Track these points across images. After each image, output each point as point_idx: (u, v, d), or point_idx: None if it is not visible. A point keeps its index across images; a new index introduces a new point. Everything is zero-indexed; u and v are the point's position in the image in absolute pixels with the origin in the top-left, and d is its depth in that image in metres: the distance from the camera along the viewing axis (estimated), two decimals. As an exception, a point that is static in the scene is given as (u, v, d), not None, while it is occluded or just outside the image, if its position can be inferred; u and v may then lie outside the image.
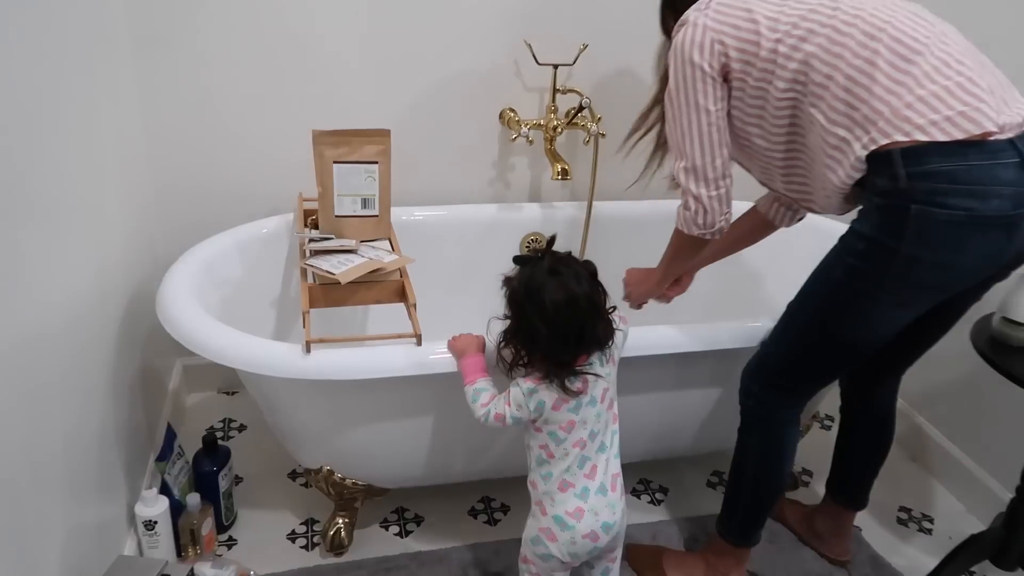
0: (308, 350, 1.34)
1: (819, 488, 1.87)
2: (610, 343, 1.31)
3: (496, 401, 1.31)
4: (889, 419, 1.60)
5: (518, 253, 1.31)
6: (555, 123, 1.97)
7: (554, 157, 1.99)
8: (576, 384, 1.27)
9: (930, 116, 1.13)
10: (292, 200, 1.88)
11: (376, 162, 1.61)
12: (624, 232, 2.11)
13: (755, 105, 1.31)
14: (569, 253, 1.30)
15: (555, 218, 2.09)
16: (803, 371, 1.41)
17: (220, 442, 1.74)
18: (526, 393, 1.28)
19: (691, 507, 1.88)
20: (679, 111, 1.34)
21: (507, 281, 1.29)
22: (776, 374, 1.42)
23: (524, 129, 1.93)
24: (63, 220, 1.28)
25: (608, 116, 1.97)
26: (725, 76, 1.31)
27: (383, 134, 1.61)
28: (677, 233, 1.46)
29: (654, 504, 1.90)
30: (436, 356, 1.39)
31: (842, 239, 1.26)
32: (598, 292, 1.28)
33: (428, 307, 1.54)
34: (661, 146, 1.57)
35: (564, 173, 1.92)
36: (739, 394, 1.47)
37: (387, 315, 1.67)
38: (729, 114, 1.35)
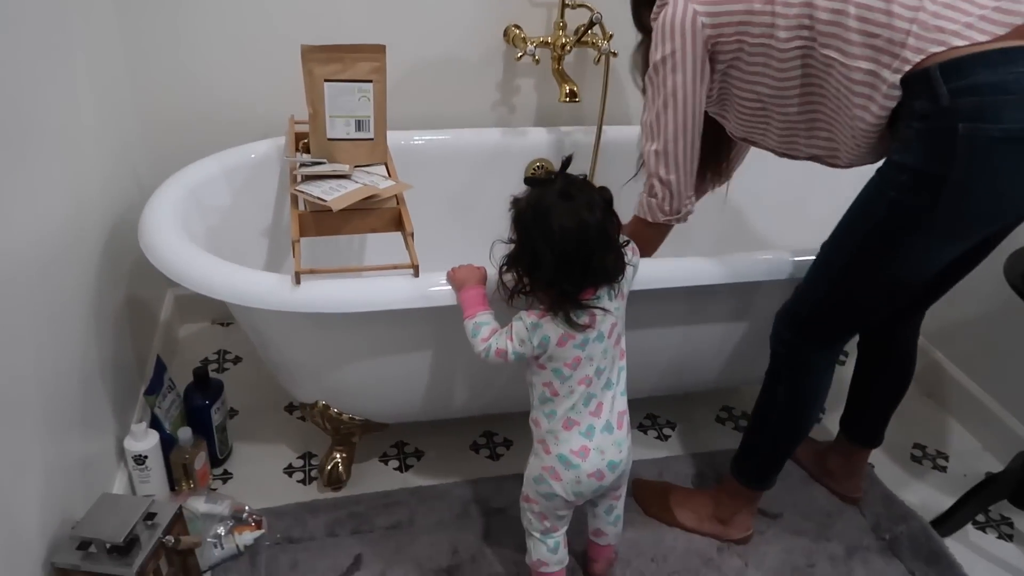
0: (298, 281, 1.26)
1: (831, 425, 1.82)
2: (620, 277, 1.23)
3: (497, 336, 1.24)
4: (910, 356, 1.53)
5: (526, 178, 1.21)
6: (563, 41, 1.84)
7: (562, 78, 1.87)
8: (583, 318, 1.20)
9: (963, 19, 1.03)
10: (284, 124, 1.78)
11: (370, 80, 1.50)
12: (636, 159, 2.01)
13: (759, 63, 1.22)
14: (585, 178, 1.21)
15: (562, 143, 1.99)
16: (841, 315, 1.32)
17: (213, 375, 1.68)
18: (529, 327, 1.20)
19: (700, 443, 1.83)
20: (657, 91, 1.30)
21: (515, 201, 1.20)
22: (812, 320, 1.33)
23: (530, 47, 1.81)
24: (33, 148, 1.19)
25: (620, 34, 1.83)
26: (714, 51, 1.25)
27: (378, 50, 1.49)
28: (638, 223, 1.39)
29: (661, 440, 1.85)
30: (434, 288, 1.31)
31: (880, 173, 1.17)
32: (612, 223, 1.19)
33: (427, 238, 1.46)
34: None
35: (572, 95, 1.81)
36: (771, 339, 1.39)
37: (383, 246, 1.59)
38: (730, 84, 1.28)
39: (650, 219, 1.38)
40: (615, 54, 1.84)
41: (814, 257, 1.32)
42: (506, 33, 1.91)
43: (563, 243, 1.14)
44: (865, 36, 1.10)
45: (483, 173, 1.95)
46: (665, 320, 1.53)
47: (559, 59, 1.88)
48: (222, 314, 2.10)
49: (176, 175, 1.59)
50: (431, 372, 1.47)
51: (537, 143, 1.98)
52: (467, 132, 1.96)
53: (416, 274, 1.31)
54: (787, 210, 2.01)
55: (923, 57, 1.05)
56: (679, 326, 1.56)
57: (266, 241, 1.76)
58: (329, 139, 1.53)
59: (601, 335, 1.22)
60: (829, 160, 1.31)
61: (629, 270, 1.25)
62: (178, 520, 1.21)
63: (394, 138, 1.69)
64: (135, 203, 1.68)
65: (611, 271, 1.20)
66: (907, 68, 1.06)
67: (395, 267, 1.31)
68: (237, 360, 1.99)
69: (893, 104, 1.11)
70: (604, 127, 1.93)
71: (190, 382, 1.62)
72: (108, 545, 1.11)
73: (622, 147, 1.99)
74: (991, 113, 1.02)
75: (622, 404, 1.29)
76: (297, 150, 1.67)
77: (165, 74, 1.78)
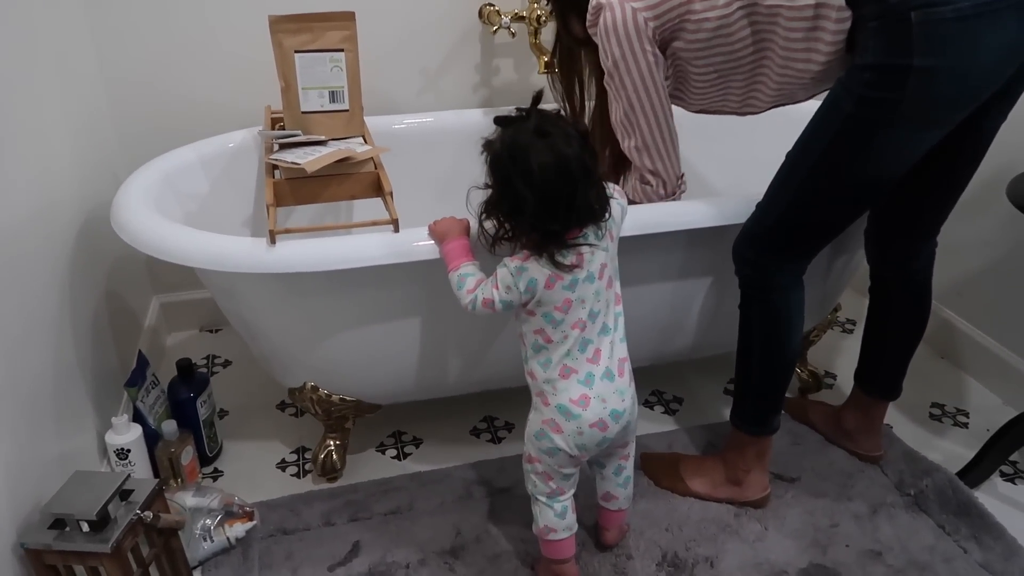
0: (273, 241, 1.21)
1: (844, 390, 1.75)
2: (607, 216, 1.18)
3: (483, 286, 1.18)
4: (925, 291, 1.46)
5: (496, 117, 1.17)
6: (538, 12, 1.82)
7: (540, 51, 1.84)
8: (569, 258, 1.14)
9: None
10: (261, 114, 1.74)
11: (342, 49, 1.47)
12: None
13: (705, 37, 1.27)
14: (558, 112, 1.17)
15: (545, 121, 1.95)
16: (810, 224, 1.29)
17: (200, 370, 1.62)
18: (514, 272, 1.15)
19: (707, 415, 1.76)
20: (619, 93, 1.35)
21: (487, 145, 1.15)
22: (777, 233, 1.30)
23: (504, 19, 1.78)
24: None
25: (595, 2, 1.82)
26: (662, 40, 1.30)
27: (347, 17, 1.46)
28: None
29: (668, 414, 1.77)
30: (416, 244, 1.26)
31: (840, 81, 1.17)
32: (590, 156, 1.14)
33: (410, 222, 1.42)
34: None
35: (550, 66, 1.78)
36: (735, 262, 1.36)
37: (365, 213, 1.54)
38: (683, 64, 1.33)
39: (646, 203, 1.41)
40: (593, 24, 1.82)
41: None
42: (481, 13, 1.89)
43: (544, 181, 1.09)
44: None
45: (468, 156, 1.90)
46: (657, 273, 1.47)
47: (535, 32, 1.85)
48: (210, 320, 2.05)
49: (151, 162, 1.55)
50: (421, 341, 1.40)
51: (520, 122, 1.94)
52: (449, 114, 1.92)
53: (396, 229, 1.26)
54: (740, 162, 1.97)
55: None
56: (671, 281, 1.50)
57: (247, 232, 1.71)
58: (303, 112, 1.50)
59: (591, 275, 1.17)
60: (790, 103, 1.36)
61: (617, 209, 1.20)
62: (158, 497, 1.14)
63: (375, 124, 1.65)
64: (110, 199, 1.64)
65: (595, 207, 1.15)
66: None
67: (374, 223, 1.26)
68: (227, 363, 1.93)
69: (846, 26, 1.15)
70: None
71: (174, 376, 1.56)
72: (81, 522, 1.04)
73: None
74: None
75: (622, 351, 1.23)
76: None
77: (138, 67, 1.75)
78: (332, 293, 1.30)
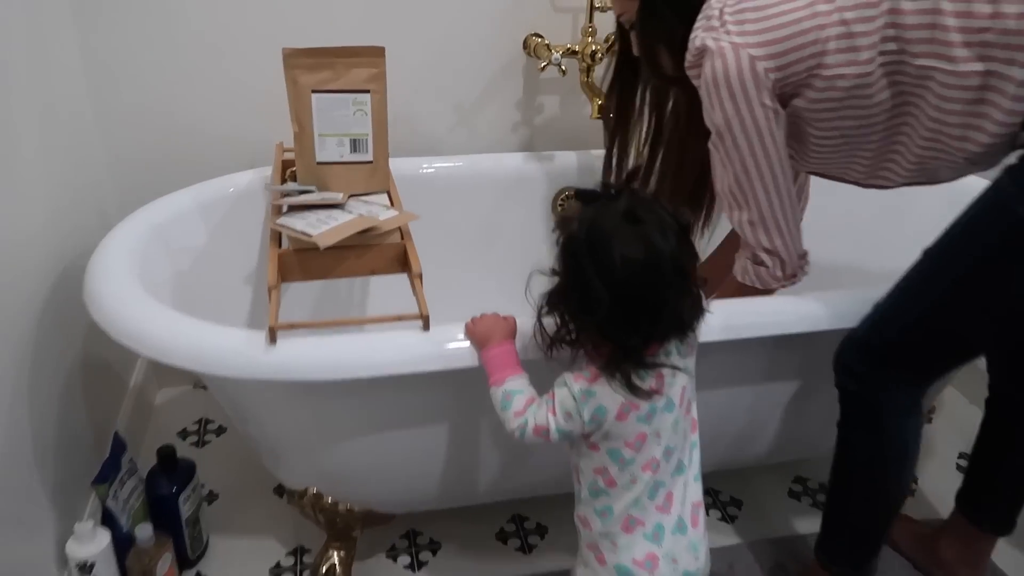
0: (273, 339, 0.97)
1: (929, 498, 1.50)
2: (696, 326, 0.94)
3: (535, 407, 0.94)
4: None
5: (577, 190, 0.95)
6: (593, 48, 1.58)
7: (592, 91, 1.60)
8: (648, 381, 0.90)
9: None
10: (271, 151, 1.51)
11: (368, 91, 1.24)
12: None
13: (837, 96, 1.04)
14: (655, 197, 0.94)
15: (595, 169, 1.70)
16: (943, 346, 1.06)
17: (191, 448, 1.38)
18: (578, 396, 0.91)
19: (773, 525, 1.51)
20: (730, 156, 1.10)
21: (563, 223, 0.93)
22: (899, 349, 1.07)
23: (555, 55, 1.54)
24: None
25: (660, 38, 1.57)
26: (782, 95, 1.07)
27: (376, 53, 1.23)
28: (742, 289, 1.17)
29: (726, 521, 1.52)
30: (451, 345, 1.01)
31: (1011, 173, 0.94)
32: (688, 254, 0.91)
33: (439, 285, 1.19)
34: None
35: (605, 111, 1.54)
36: (836, 373, 1.13)
37: (387, 291, 1.30)
38: (803, 123, 1.10)
39: (760, 287, 1.17)
40: (656, 63, 1.58)
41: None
42: (526, 43, 1.65)
43: (627, 279, 0.86)
44: (970, 33, 0.92)
45: (504, 206, 1.68)
46: (733, 379, 1.23)
47: (588, 70, 1.61)
48: (204, 376, 1.81)
49: (139, 211, 1.33)
50: (448, 448, 1.16)
51: (566, 169, 1.70)
52: (484, 158, 1.68)
53: (426, 326, 1.02)
54: (856, 230, 1.70)
55: None
56: (750, 386, 1.26)
57: (248, 291, 1.48)
58: (319, 163, 1.26)
59: (671, 402, 0.93)
60: (930, 183, 1.11)
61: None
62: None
63: (399, 167, 1.41)
64: (97, 243, 1.41)
65: (687, 319, 0.92)
66: None
67: (399, 318, 1.02)
68: (220, 431, 1.69)
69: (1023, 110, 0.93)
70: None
71: (153, 465, 1.32)
72: None
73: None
74: None
75: (696, 493, 0.99)
76: (284, 180, 1.40)
77: (135, 98, 1.51)
78: (346, 397, 1.06)
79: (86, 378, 1.40)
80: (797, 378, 1.26)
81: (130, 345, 1.01)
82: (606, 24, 1.61)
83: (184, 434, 1.68)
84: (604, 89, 1.51)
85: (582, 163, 1.71)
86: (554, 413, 0.92)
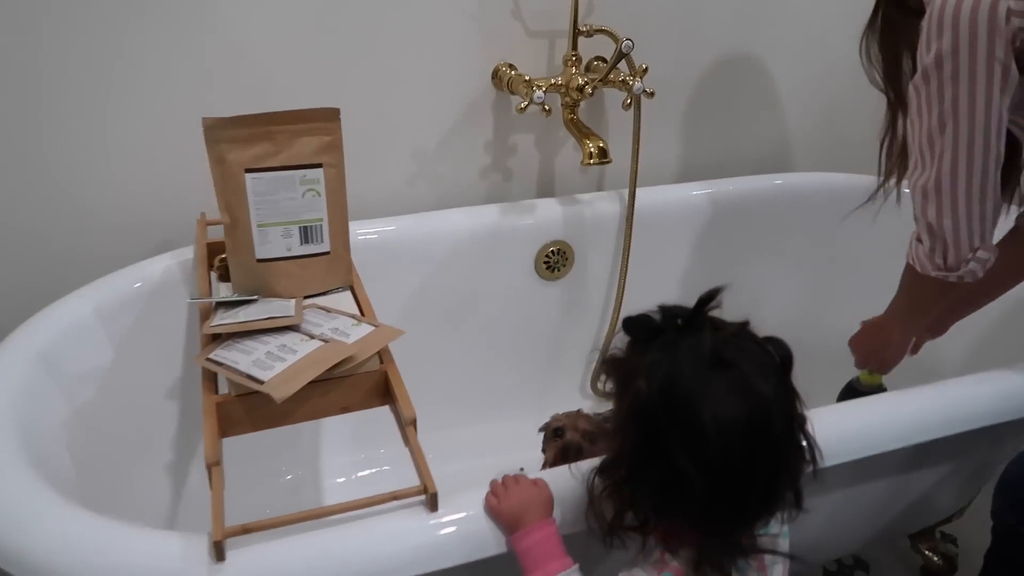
0: (219, 555, 0.68)
1: None
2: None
3: (596, 618, 0.69)
4: None
5: (626, 321, 0.69)
6: (580, 82, 1.32)
7: (580, 131, 1.35)
8: (749, 573, 0.66)
9: None
10: (190, 229, 1.20)
11: (320, 164, 0.95)
12: (680, 230, 1.52)
13: None
14: (745, 324, 0.69)
15: (582, 217, 1.46)
16: None
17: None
18: (659, 605, 0.66)
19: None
20: (930, 104, 0.89)
21: (621, 374, 0.68)
22: None
23: (538, 93, 1.27)
24: None
25: (656, 66, 1.33)
26: (1021, 48, 0.84)
27: (327, 117, 0.94)
28: (911, 272, 0.95)
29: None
30: (470, 533, 0.74)
31: None
32: (793, 398, 0.67)
33: (412, 362, 0.94)
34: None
35: (602, 154, 1.30)
36: (996, 504, 0.99)
37: (363, 428, 1.01)
38: None
39: (919, 270, 0.98)
40: (651, 94, 1.33)
41: None
42: (495, 74, 1.38)
43: (725, 449, 0.62)
44: None
45: (480, 267, 1.41)
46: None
47: (574, 106, 1.36)
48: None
49: (16, 332, 1.00)
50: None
51: (550, 219, 1.44)
52: (451, 213, 1.41)
53: (433, 506, 0.75)
54: None
55: None
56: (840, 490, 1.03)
57: (174, 422, 1.16)
58: (259, 260, 0.96)
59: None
60: None
61: None
62: None
63: (352, 229, 1.12)
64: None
65: (795, 480, 0.68)
66: None
67: (393, 497, 0.74)
68: None
69: None
70: (638, 190, 1.42)
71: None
72: None
73: (662, 214, 1.50)
74: None
75: None
76: (212, 269, 1.09)
77: (13, 177, 1.18)
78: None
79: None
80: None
81: (12, 571, 0.70)
82: (590, 50, 1.37)
83: None
84: (592, 129, 1.25)
85: (567, 210, 1.45)
86: (627, 629, 0.67)
